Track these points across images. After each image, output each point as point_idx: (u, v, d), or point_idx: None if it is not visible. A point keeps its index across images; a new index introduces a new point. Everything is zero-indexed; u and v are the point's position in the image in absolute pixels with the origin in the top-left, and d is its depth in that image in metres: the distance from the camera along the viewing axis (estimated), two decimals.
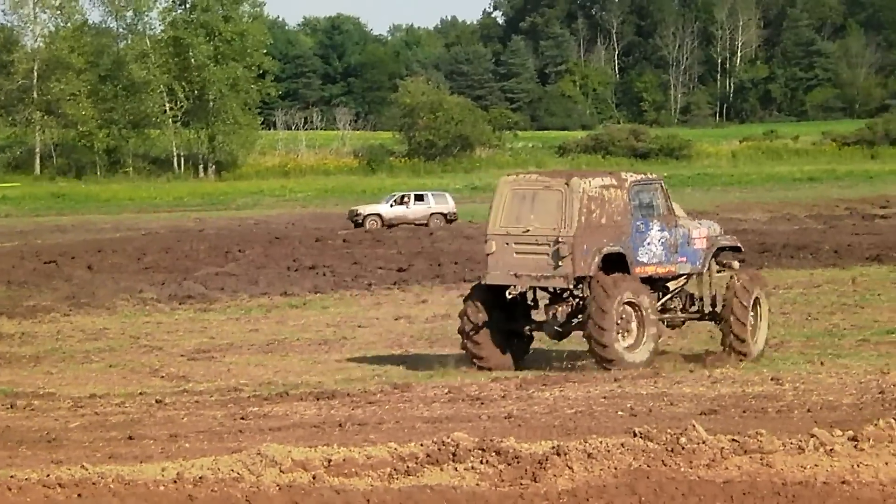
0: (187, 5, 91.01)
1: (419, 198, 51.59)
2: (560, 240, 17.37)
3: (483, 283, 18.10)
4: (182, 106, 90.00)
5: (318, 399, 15.26)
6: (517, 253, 17.70)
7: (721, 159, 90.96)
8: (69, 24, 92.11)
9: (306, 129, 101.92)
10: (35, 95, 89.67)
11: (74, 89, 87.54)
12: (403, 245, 41.36)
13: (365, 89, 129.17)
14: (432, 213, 50.38)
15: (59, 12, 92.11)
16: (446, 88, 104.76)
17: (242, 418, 14.19)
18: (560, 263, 17.44)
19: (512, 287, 17.67)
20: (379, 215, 50.10)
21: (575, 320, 17.99)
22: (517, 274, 17.66)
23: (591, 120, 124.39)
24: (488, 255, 17.88)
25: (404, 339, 21.22)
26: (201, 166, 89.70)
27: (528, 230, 17.61)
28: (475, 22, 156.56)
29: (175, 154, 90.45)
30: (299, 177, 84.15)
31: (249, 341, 21.52)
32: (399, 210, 50.63)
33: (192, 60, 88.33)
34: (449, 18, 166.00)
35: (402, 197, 51.90)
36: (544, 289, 18.24)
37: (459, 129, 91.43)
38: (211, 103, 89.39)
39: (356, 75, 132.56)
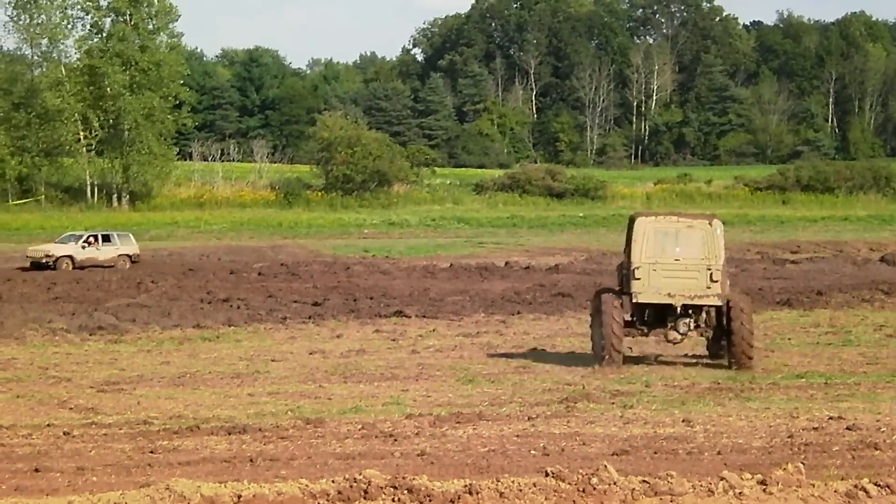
0: (104, 34, 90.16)
1: (106, 238, 48.04)
2: (710, 267, 21.67)
3: (634, 301, 21.92)
4: (96, 135, 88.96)
5: (229, 433, 15.09)
6: (667, 277, 21.75)
7: (635, 201, 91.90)
8: None
9: (223, 161, 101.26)
10: None
11: None
12: (319, 279, 41.22)
13: (283, 122, 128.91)
14: (120, 255, 47.13)
15: None
16: (364, 124, 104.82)
17: (152, 452, 13.98)
18: (711, 286, 21.68)
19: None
20: (71, 257, 46.25)
21: (703, 329, 22.39)
22: (671, 293, 21.82)
23: (507, 159, 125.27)
24: (637, 279, 21.72)
25: (318, 374, 21.07)
26: (115, 196, 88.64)
27: (678, 259, 21.72)
28: (394, 58, 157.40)
29: (88, 183, 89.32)
30: (214, 209, 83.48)
31: (160, 374, 21.23)
32: (91, 251, 46.87)
33: (108, 89, 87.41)
34: (368, 54, 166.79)
35: (89, 238, 47.75)
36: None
37: (377, 165, 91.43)
38: (126, 133, 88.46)
39: (274, 108, 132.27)
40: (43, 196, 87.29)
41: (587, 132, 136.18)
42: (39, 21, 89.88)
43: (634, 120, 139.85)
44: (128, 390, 19.21)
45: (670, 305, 21.91)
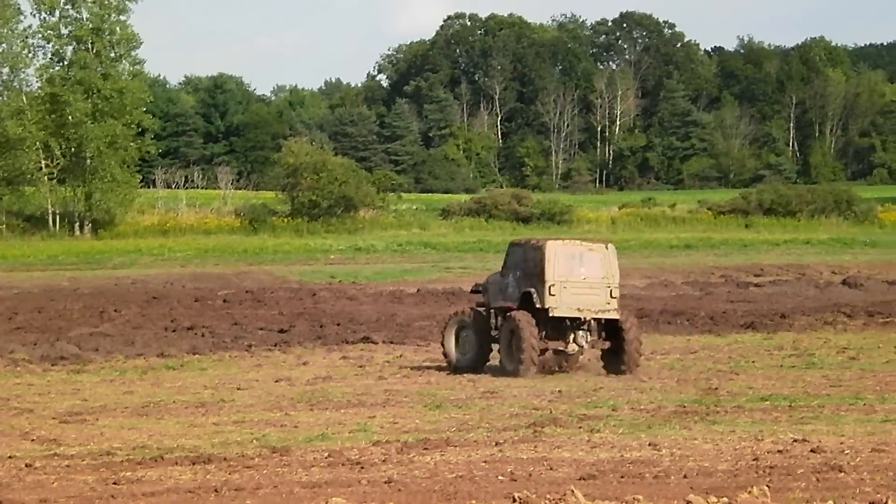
0: (65, 62, 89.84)
1: None
2: (609, 285, 24.63)
3: (550, 315, 24.18)
4: (58, 163, 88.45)
5: (193, 463, 14.96)
6: (575, 294, 24.31)
7: (601, 225, 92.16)
8: None
9: (187, 188, 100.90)
10: None
11: None
12: (285, 306, 41.06)
13: (247, 149, 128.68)
14: None
15: None
16: (330, 149, 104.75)
17: (115, 483, 13.84)
18: (611, 302, 24.59)
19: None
20: None
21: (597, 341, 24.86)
22: (580, 308, 24.42)
23: (474, 183, 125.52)
24: (552, 295, 24.11)
25: (284, 402, 20.96)
26: (77, 224, 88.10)
27: (584, 279, 24.44)
28: (360, 84, 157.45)
29: (50, 212, 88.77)
30: (179, 236, 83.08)
31: (124, 404, 21.06)
32: None
33: (70, 117, 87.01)
34: (333, 80, 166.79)
35: None
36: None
37: (343, 190, 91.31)
38: (88, 161, 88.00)
39: (238, 134, 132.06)
40: (4, 225, 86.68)
41: (552, 157, 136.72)
42: (0, 50, 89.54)
43: (599, 144, 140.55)
44: (91, 421, 19.02)
45: (567, 320, 24.45)
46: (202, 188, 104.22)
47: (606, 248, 25.17)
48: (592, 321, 24.66)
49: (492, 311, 25.41)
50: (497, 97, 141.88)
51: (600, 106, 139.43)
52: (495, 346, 25.14)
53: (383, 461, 15.01)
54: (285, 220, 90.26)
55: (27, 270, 63.65)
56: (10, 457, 15.63)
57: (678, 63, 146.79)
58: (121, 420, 19.16)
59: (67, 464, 15.13)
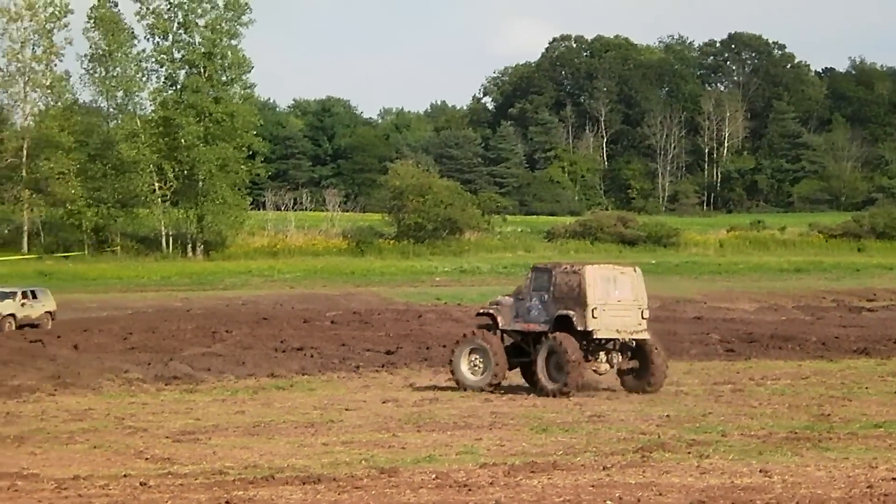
0: (178, 86, 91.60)
1: (34, 294, 44.81)
2: (640, 307, 25.59)
3: (594, 336, 25.06)
4: (171, 185, 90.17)
5: (303, 483, 15.10)
6: (612, 316, 25.11)
7: (708, 248, 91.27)
8: (59, 104, 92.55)
9: (295, 210, 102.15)
10: (24, 174, 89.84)
11: (63, 168, 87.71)
12: (391, 327, 41.35)
13: (354, 171, 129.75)
14: (45, 312, 44.24)
15: (49, 91, 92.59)
16: (435, 172, 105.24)
17: (227, 502, 14.03)
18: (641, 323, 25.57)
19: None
20: (13, 315, 43.03)
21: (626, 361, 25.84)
22: (618, 329, 25.30)
23: (578, 206, 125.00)
24: (595, 318, 24.92)
25: (392, 423, 21.07)
26: (189, 246, 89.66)
27: (619, 301, 25.33)
28: (465, 107, 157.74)
29: (163, 233, 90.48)
30: (287, 257, 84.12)
31: (235, 423, 21.34)
32: (27, 309, 43.70)
33: (182, 140, 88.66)
34: (439, 103, 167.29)
35: (21, 294, 44.25)
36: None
37: (448, 213, 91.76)
38: (200, 183, 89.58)
39: (345, 157, 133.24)
40: (118, 246, 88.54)
41: (658, 179, 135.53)
42: (115, 74, 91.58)
43: (706, 166, 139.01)
44: (203, 440, 19.30)
45: (603, 341, 25.30)
46: (310, 210, 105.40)
47: (635, 270, 26.19)
48: (621, 342, 25.53)
49: (504, 333, 26.14)
50: (602, 119, 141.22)
51: (707, 128, 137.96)
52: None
53: (490, 484, 15.01)
54: (391, 242, 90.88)
55: (141, 291, 64.98)
56: (124, 475, 15.91)
57: (788, 84, 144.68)
58: (232, 439, 19.41)
59: (181, 482, 15.36)
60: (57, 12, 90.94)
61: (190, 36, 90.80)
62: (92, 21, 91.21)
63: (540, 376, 25.16)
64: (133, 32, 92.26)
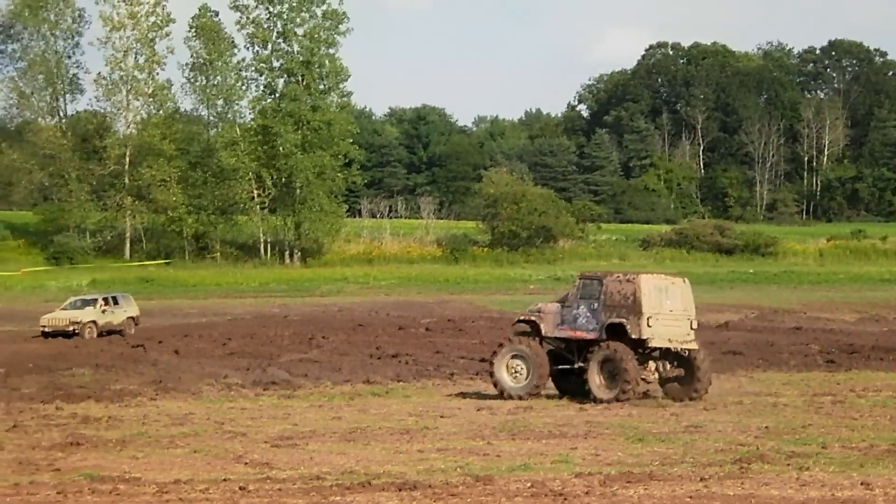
0: (276, 95, 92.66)
1: (115, 301, 45.51)
2: (689, 317, 25.97)
3: (648, 345, 25.53)
4: (269, 193, 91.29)
5: (399, 490, 15.19)
6: (665, 326, 25.43)
7: (808, 258, 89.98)
8: (161, 112, 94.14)
9: (391, 218, 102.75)
10: (126, 181, 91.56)
11: (165, 175, 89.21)
12: (485, 334, 41.36)
13: (449, 179, 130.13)
14: (127, 318, 45.08)
15: (151, 100, 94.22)
16: (530, 179, 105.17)
17: None
18: (691, 333, 25.98)
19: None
20: (95, 322, 43.72)
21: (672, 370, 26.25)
22: (670, 339, 25.70)
23: (674, 214, 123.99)
24: (650, 327, 25.31)
25: (486, 431, 21.09)
26: (287, 252, 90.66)
27: (671, 311, 25.66)
28: (559, 115, 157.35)
29: (261, 240, 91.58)
30: (383, 265, 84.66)
31: (332, 429, 21.52)
32: (108, 315, 44.47)
33: (280, 149, 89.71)
34: (533, 111, 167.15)
35: (102, 301, 45.03)
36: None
37: (542, 221, 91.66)
38: (297, 191, 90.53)
39: (440, 165, 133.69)
40: (218, 253, 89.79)
41: (756, 187, 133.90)
42: (215, 83, 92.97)
43: (805, 175, 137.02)
44: (301, 445, 19.49)
45: (655, 349, 25.67)
46: (405, 218, 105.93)
47: (684, 282, 26.53)
48: (672, 351, 25.93)
49: (543, 341, 26.44)
50: (699, 127, 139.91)
51: (807, 136, 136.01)
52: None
53: (586, 493, 14.96)
54: (485, 249, 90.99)
55: (240, 297, 65.83)
56: (224, 480, 16.12)
57: (889, 92, 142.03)
58: (329, 445, 19.57)
59: (279, 487, 15.53)
60: (159, 21, 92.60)
61: (289, 45, 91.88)
62: (193, 30, 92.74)
63: (592, 384, 25.36)
64: (233, 41, 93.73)
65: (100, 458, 18.17)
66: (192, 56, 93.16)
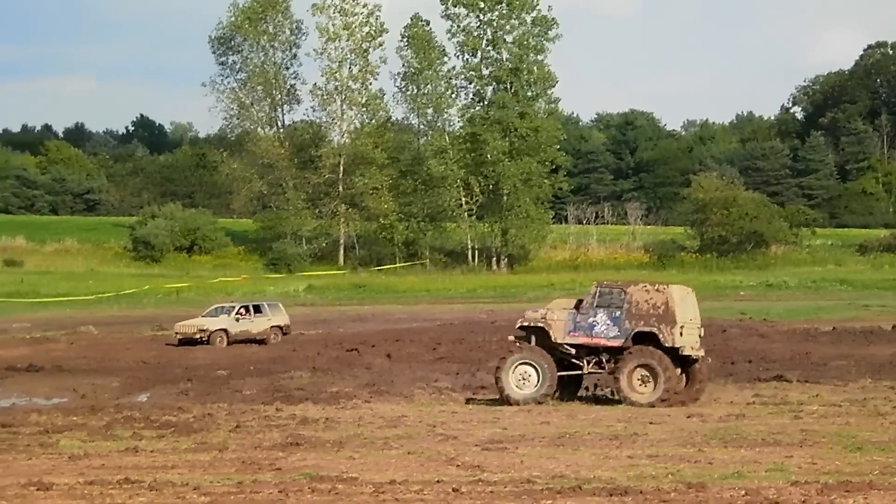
0: (485, 102, 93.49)
1: (257, 309, 45.38)
2: (699, 326, 27.22)
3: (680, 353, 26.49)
4: (477, 200, 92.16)
5: (610, 495, 15.20)
6: (686, 335, 26.51)
7: None
8: (373, 121, 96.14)
9: (597, 224, 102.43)
10: (340, 189, 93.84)
11: (376, 183, 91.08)
12: None
13: (656, 184, 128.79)
14: (272, 326, 44.90)
15: (364, 109, 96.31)
16: (741, 184, 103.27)
17: None
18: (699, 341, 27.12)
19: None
20: (225, 331, 43.93)
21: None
22: (692, 346, 26.89)
23: (893, 218, 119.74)
24: (682, 335, 26.33)
25: (697, 438, 20.88)
26: (494, 259, 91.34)
27: (691, 320, 26.90)
28: (772, 117, 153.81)
29: (469, 247, 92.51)
30: (589, 271, 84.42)
31: (541, 434, 21.65)
32: (244, 324, 44.47)
33: (488, 156, 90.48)
34: (745, 114, 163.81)
35: (241, 309, 45.16)
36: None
37: (753, 226, 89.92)
38: (504, 197, 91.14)
39: (648, 170, 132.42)
40: (427, 260, 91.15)
41: None
42: (425, 91, 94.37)
43: None
44: (511, 449, 19.68)
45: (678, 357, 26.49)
46: (612, 224, 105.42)
47: (691, 291, 27.86)
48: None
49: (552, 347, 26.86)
50: None
51: None
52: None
53: (803, 502, 14.69)
54: (694, 255, 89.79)
55: (448, 303, 66.70)
56: (437, 481, 16.41)
57: None
58: (539, 449, 19.71)
59: (491, 490, 15.73)
60: (373, 32, 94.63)
61: (498, 52, 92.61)
62: (405, 40, 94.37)
63: (625, 389, 26.12)
64: (443, 50, 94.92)
65: (318, 458, 18.72)
66: (403, 65, 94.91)
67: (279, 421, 23.68)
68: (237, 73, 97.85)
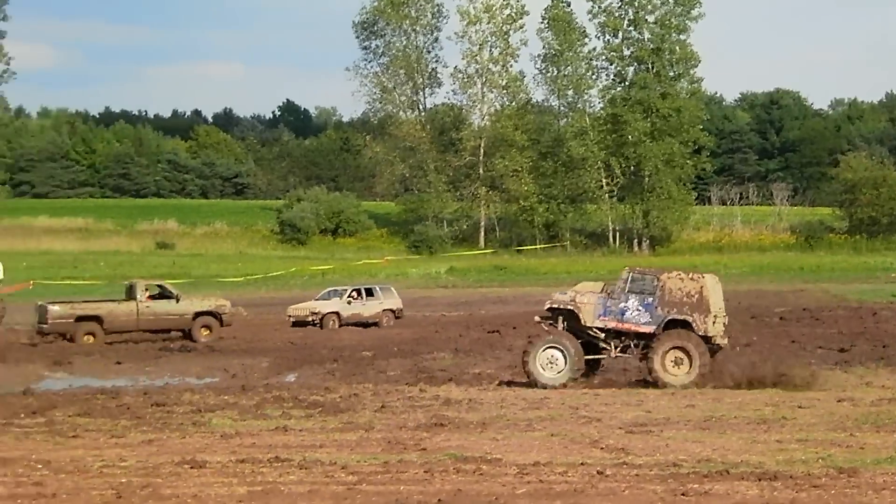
0: (626, 83, 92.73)
1: (369, 293, 45.40)
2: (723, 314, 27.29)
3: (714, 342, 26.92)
4: (618, 181, 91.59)
5: (759, 479, 15.01)
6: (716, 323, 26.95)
7: None
8: (514, 103, 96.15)
9: (741, 205, 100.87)
10: (480, 171, 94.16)
11: (517, 165, 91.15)
12: (843, 325, 40.13)
13: (803, 164, 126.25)
14: (384, 310, 44.86)
15: (504, 91, 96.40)
16: (891, 164, 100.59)
17: (683, 494, 14.19)
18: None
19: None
20: (337, 314, 44.16)
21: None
22: (720, 336, 27.18)
23: None
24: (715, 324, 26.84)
25: (848, 422, 20.47)
26: (636, 240, 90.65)
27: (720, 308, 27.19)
28: None
29: (610, 228, 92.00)
30: (733, 252, 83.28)
31: (686, 417, 21.45)
32: (356, 307, 44.63)
33: (629, 137, 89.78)
34: (895, 92, 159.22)
35: (352, 292, 45.24)
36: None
37: None
38: (646, 179, 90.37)
39: (794, 150, 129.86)
40: (568, 241, 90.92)
41: None
42: (566, 73, 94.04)
43: None
44: (656, 432, 19.54)
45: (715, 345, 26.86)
46: (757, 205, 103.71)
47: (719, 280, 27.99)
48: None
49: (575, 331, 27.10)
50: None
51: None
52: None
53: None
54: (842, 236, 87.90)
55: None
56: (581, 464, 16.40)
57: None
58: (684, 432, 19.53)
59: (636, 473, 15.66)
60: (513, 14, 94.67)
61: (639, 32, 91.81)
62: (546, 21, 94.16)
63: (658, 370, 26.41)
64: (584, 31, 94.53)
65: (462, 439, 18.85)
66: (543, 47, 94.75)
67: (423, 402, 23.90)
68: (380, 57, 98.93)
